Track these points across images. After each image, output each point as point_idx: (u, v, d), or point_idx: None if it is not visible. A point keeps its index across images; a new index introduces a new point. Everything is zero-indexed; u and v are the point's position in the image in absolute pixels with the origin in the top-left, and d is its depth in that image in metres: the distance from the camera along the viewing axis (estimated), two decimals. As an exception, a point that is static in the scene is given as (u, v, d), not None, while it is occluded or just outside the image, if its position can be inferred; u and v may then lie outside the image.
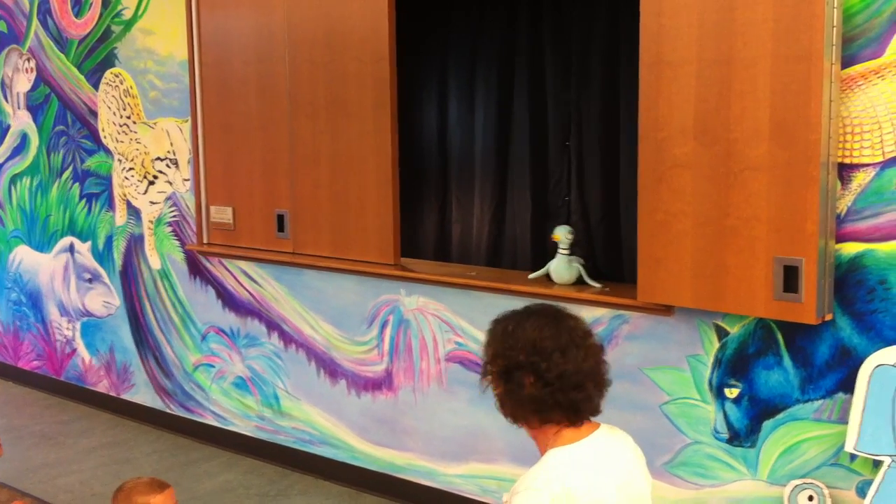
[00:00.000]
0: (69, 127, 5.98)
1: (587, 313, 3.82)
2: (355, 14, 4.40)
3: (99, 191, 5.85)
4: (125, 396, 5.90)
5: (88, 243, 5.98)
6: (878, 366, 3.19)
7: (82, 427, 5.76)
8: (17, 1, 6.19)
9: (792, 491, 3.42)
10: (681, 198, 3.44)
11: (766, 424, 3.50)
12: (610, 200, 4.46)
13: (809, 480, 3.39)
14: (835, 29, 3.14)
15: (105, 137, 5.76)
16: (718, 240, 3.36)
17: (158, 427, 5.66)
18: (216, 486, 4.86)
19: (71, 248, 6.10)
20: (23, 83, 6.27)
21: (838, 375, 3.32)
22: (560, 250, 4.08)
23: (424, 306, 4.41)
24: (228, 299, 5.22)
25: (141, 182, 5.58)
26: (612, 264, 4.43)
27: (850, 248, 3.26)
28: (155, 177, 5.49)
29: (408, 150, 4.72)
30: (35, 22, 6.09)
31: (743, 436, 3.55)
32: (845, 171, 3.25)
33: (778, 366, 3.44)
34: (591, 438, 1.99)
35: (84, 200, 5.95)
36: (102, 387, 6.04)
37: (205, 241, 5.23)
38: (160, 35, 5.35)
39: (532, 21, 4.69)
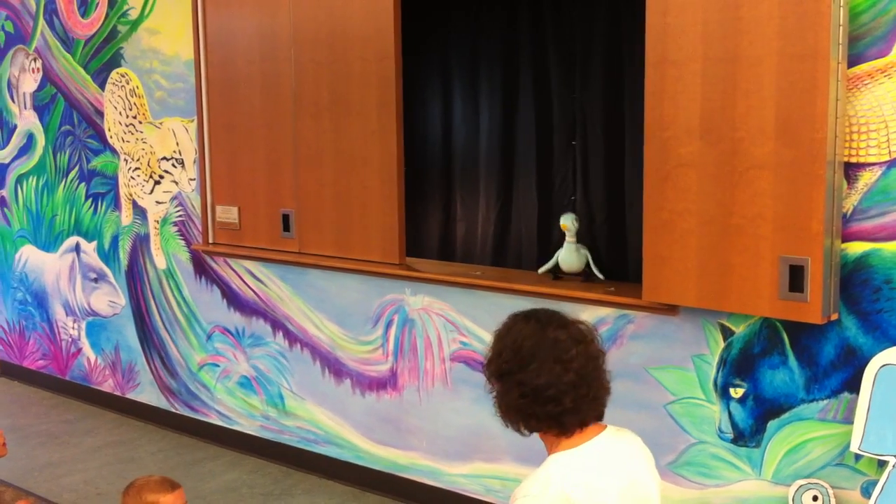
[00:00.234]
0: (75, 127, 6.00)
1: (592, 313, 3.81)
2: (360, 13, 4.40)
3: (105, 190, 5.86)
4: (130, 396, 5.91)
5: (94, 243, 5.99)
6: (883, 365, 3.18)
7: (87, 426, 5.77)
8: (23, 1, 6.21)
9: (797, 491, 3.40)
10: (686, 197, 3.43)
11: (771, 424, 3.49)
12: (615, 199, 4.46)
13: (814, 480, 3.37)
14: (841, 27, 3.14)
15: (111, 137, 5.78)
16: (724, 239, 3.35)
17: (163, 426, 5.66)
18: (220, 486, 4.86)
19: (77, 248, 6.11)
20: (29, 83, 6.28)
21: (843, 375, 3.31)
22: (567, 239, 4.14)
23: (429, 306, 4.40)
24: (233, 299, 5.22)
25: (147, 182, 5.58)
26: (617, 263, 4.42)
27: (856, 248, 3.25)
28: (161, 176, 5.50)
29: (412, 149, 4.72)
30: (41, 22, 6.11)
31: (748, 435, 3.54)
32: (851, 170, 3.24)
33: (783, 365, 3.43)
34: (595, 441, 1.97)
35: (90, 200, 5.97)
36: (107, 386, 6.05)
37: (210, 240, 5.23)
38: (166, 35, 5.36)
39: (534, 21, 4.69)
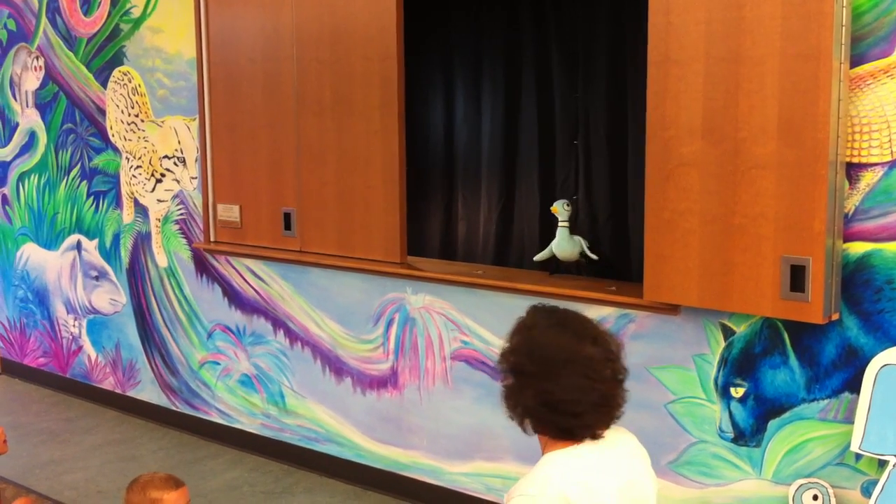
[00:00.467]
0: (77, 125, 6.00)
1: (593, 313, 3.81)
2: (362, 12, 4.40)
3: (106, 189, 5.87)
4: (131, 394, 5.91)
5: (96, 241, 5.99)
6: (884, 365, 3.19)
7: (88, 424, 5.77)
8: (26, -1, 6.22)
9: (797, 490, 3.41)
10: (688, 196, 3.43)
11: (772, 424, 3.49)
12: (617, 199, 4.46)
13: (814, 480, 3.38)
14: (843, 27, 3.14)
15: (113, 135, 5.78)
16: (725, 238, 3.35)
17: (164, 424, 5.67)
18: (221, 484, 4.86)
19: (78, 246, 6.12)
20: (31, 81, 6.29)
21: (844, 375, 3.31)
22: (560, 223, 4.09)
23: (430, 305, 4.41)
24: (235, 297, 5.23)
25: (148, 180, 5.59)
26: (618, 263, 4.42)
27: (858, 248, 3.25)
28: (162, 175, 5.50)
29: (414, 148, 4.73)
30: (44, 20, 6.11)
31: (748, 435, 3.54)
32: (853, 170, 3.24)
33: (784, 365, 3.44)
34: (592, 441, 1.96)
35: (91, 198, 5.97)
36: (108, 384, 6.06)
37: (212, 239, 5.24)
38: (168, 33, 5.36)
39: (535, 20, 4.69)
